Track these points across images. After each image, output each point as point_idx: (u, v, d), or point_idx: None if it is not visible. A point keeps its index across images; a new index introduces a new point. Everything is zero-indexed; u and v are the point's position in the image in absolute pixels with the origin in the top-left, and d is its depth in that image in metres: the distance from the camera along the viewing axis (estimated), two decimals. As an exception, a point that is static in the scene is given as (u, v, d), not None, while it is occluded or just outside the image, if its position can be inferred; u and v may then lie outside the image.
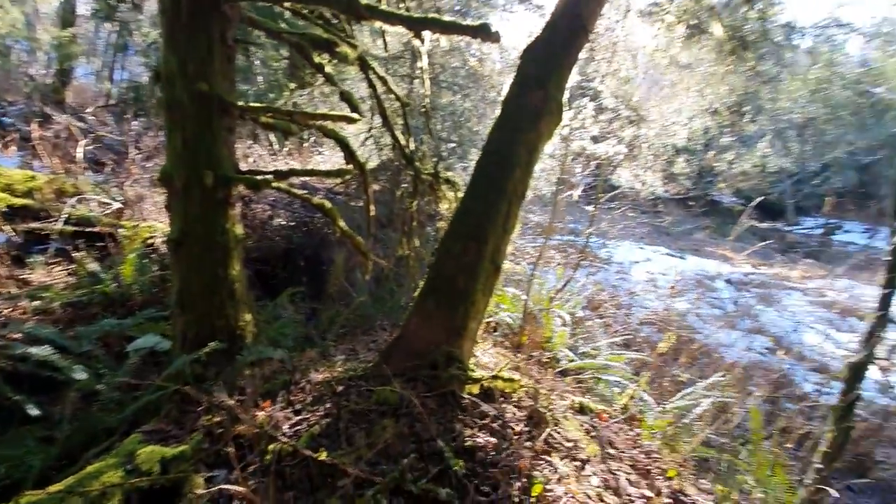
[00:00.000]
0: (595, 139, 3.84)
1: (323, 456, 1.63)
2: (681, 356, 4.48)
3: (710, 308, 7.72)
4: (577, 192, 4.52)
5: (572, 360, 3.45)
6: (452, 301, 2.29)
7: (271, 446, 1.70)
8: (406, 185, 4.05)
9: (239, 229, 2.65)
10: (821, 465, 2.25)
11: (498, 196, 2.43)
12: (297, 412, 2.00)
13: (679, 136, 4.12)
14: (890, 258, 2.36)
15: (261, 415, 1.95)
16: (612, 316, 5.19)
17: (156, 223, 4.38)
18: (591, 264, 9.08)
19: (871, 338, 2.34)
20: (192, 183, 2.43)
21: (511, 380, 2.22)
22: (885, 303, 2.33)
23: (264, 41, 6.80)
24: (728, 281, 9.43)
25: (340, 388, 2.13)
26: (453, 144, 5.10)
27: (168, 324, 2.77)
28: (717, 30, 2.59)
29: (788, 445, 2.66)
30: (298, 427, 1.89)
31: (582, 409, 2.51)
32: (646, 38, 3.16)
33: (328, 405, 2.00)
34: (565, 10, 2.57)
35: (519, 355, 3.04)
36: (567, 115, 3.73)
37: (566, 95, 2.73)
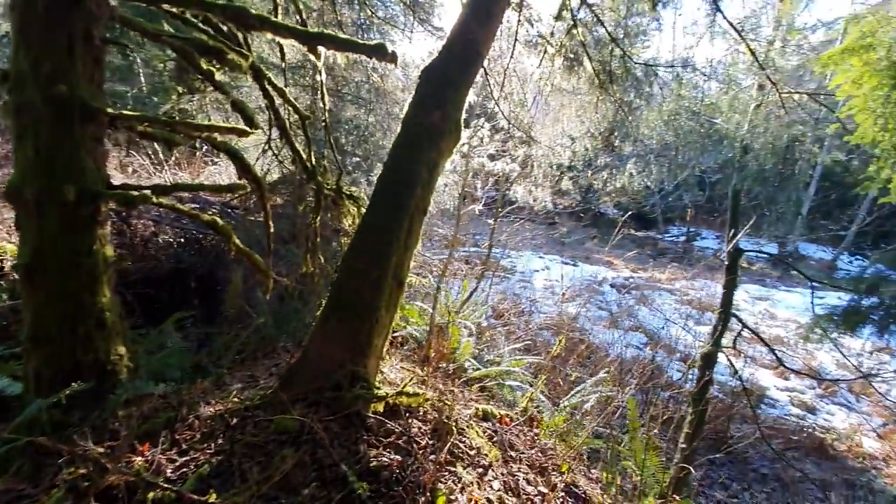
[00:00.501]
0: (492, 157, 4.08)
1: (212, 499, 1.51)
2: (573, 356, 4.90)
3: (597, 310, 8.53)
4: (478, 207, 4.75)
5: (477, 369, 3.59)
6: (356, 318, 2.26)
7: (150, 495, 1.53)
8: (310, 199, 3.93)
9: (109, 250, 2.36)
10: (684, 445, 2.61)
11: (400, 212, 2.47)
12: (182, 452, 1.82)
13: (564, 157, 4.56)
14: (728, 263, 2.85)
15: (138, 460, 1.74)
16: (514, 323, 5.50)
17: (5, 244, 3.71)
18: (495, 274, 9.53)
19: (717, 332, 2.79)
20: (47, 198, 2.12)
21: (416, 394, 2.25)
22: (726, 301, 2.80)
23: (146, 42, 6.16)
24: (612, 285, 10.51)
25: (235, 420, 1.98)
26: (357, 159, 5.06)
27: (20, 363, 2.36)
28: (587, 64, 2.94)
29: (657, 431, 3.04)
30: (184, 469, 1.72)
31: (485, 416, 2.63)
32: (532, 66, 3.47)
33: (220, 441, 1.85)
34: (461, 35, 2.72)
35: (426, 368, 3.09)
36: (465, 134, 3.91)
37: (464, 115, 2.88)
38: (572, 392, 3.34)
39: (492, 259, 8.36)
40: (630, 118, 3.19)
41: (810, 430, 4.86)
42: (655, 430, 2.84)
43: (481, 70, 4.11)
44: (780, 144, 2.81)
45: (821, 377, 5.49)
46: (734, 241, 2.84)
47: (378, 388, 2.23)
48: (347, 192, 3.08)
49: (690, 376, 5.57)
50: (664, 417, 2.92)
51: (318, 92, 5.28)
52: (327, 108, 2.98)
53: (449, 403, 2.31)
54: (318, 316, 2.38)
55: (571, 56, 3.12)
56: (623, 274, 12.21)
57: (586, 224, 18.96)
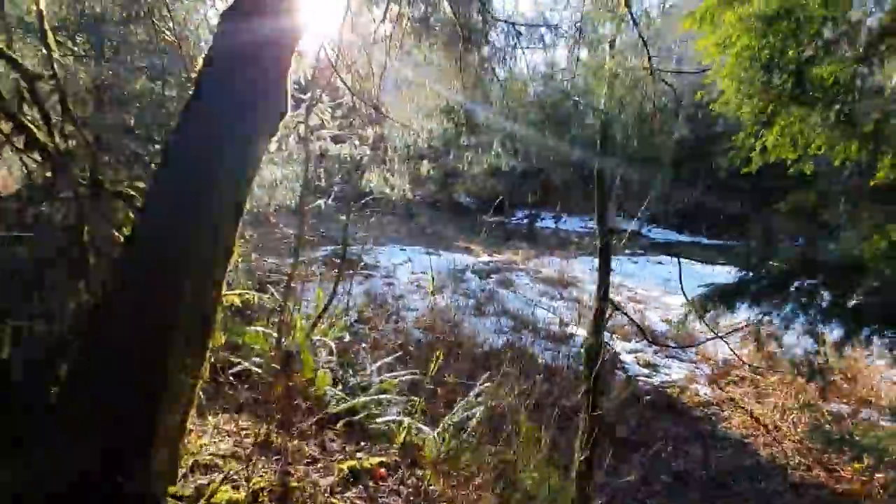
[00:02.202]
0: (337, 140, 3.40)
1: None
2: (451, 359, 4.52)
3: (465, 299, 8.45)
4: (326, 201, 4.00)
5: (342, 400, 2.91)
6: (124, 393, 1.40)
7: None
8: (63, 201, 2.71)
9: None
10: (582, 453, 2.36)
11: (196, 216, 1.65)
12: None
13: (422, 137, 4.07)
14: (600, 246, 2.70)
15: None
16: (383, 330, 4.90)
17: None
18: (356, 274, 8.79)
19: (598, 322, 2.62)
20: None
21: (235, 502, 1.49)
22: (603, 288, 2.64)
23: None
24: (474, 271, 10.65)
25: None
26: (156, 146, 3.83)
27: None
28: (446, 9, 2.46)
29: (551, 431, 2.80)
30: None
31: (354, 475, 1.99)
32: (375, 25, 2.86)
33: None
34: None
35: (267, 423, 2.30)
36: (303, 113, 3.13)
37: (292, 85, 2.14)
38: (456, 407, 2.90)
39: (350, 257, 7.62)
40: (492, 89, 2.85)
41: (659, 387, 5.34)
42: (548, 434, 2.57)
43: (316, 34, 3.36)
44: (644, 115, 2.78)
45: (684, 345, 6.08)
46: (605, 224, 2.72)
47: (177, 493, 1.42)
48: (119, 189, 2.08)
49: (557, 354, 5.73)
50: (557, 405, 2.69)
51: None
52: (54, 57, 1.93)
53: (297, 484, 1.61)
54: (56, 393, 1.44)
55: (421, 14, 2.59)
56: (482, 259, 12.55)
57: (444, 212, 19.30)
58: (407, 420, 2.55)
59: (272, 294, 3.82)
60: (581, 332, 7.16)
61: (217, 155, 1.75)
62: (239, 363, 3.03)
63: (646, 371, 6.07)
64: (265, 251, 5.37)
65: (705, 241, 19.47)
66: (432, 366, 2.91)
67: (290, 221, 7.14)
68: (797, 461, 3.97)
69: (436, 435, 2.64)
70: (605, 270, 2.65)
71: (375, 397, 2.86)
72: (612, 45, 2.72)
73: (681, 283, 2.39)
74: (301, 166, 3.81)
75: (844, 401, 4.64)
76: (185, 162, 1.73)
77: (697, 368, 6.24)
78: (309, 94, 3.28)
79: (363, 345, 4.08)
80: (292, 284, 3.85)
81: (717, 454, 4.15)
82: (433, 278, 7.31)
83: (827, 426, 4.17)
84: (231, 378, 3.00)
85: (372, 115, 3.49)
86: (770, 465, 3.98)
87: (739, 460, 4.08)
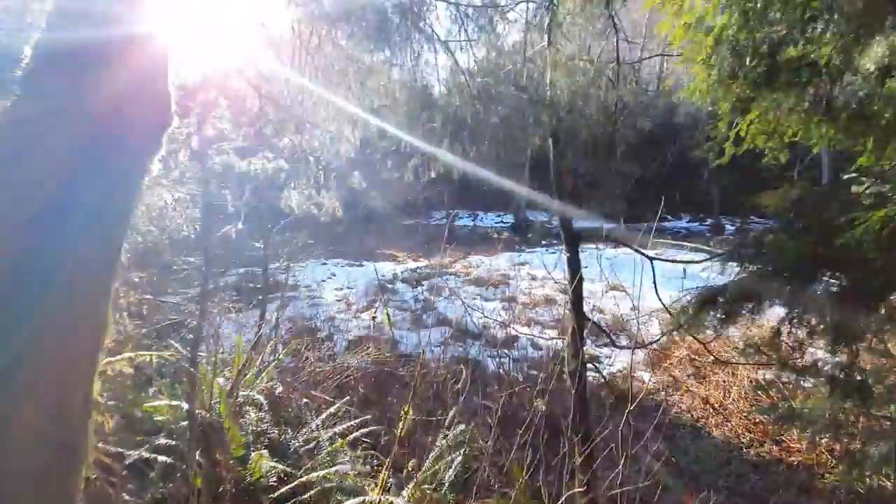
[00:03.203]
0: (243, 153, 2.78)
1: None
2: (395, 384, 4.06)
3: (398, 311, 7.97)
4: (238, 224, 3.32)
5: (286, 477, 2.34)
6: None
7: None
8: None
9: None
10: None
11: (40, 266, 1.05)
12: None
13: (348, 145, 3.56)
14: (569, 255, 2.44)
15: None
16: (317, 366, 4.27)
17: None
18: (278, 298, 7.91)
19: (576, 339, 2.36)
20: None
21: None
22: (576, 300, 2.39)
23: None
24: (404, 280, 10.19)
25: None
26: None
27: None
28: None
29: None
30: None
31: None
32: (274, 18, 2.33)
33: None
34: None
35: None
36: (186, 122, 2.49)
37: (176, 91, 1.57)
38: (427, 457, 2.47)
39: (270, 281, 6.77)
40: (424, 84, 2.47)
41: (609, 380, 5.34)
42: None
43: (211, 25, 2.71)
44: (609, 109, 2.58)
45: (645, 344, 6.09)
46: (571, 228, 2.47)
47: None
48: None
49: (504, 359, 5.51)
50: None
51: None
52: None
53: None
54: None
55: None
56: (409, 266, 12.14)
57: (359, 219, 18.51)
58: (369, 499, 2.06)
59: (176, 347, 3.07)
60: (524, 332, 7.08)
61: (66, 188, 1.15)
62: (138, 450, 2.32)
63: (590, 365, 6.09)
64: (163, 292, 4.46)
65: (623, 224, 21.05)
66: (400, 427, 2.45)
67: (193, 252, 6.15)
68: (749, 438, 4.10)
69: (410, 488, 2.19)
70: (576, 283, 2.40)
71: (329, 468, 2.32)
72: (548, 31, 2.47)
73: (656, 290, 2.23)
74: (200, 187, 3.11)
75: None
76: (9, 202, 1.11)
77: (635, 354, 6.41)
78: (201, 99, 2.64)
79: (299, 389, 3.46)
80: (202, 331, 3.14)
81: (678, 442, 4.17)
82: (388, 315, 6.67)
83: (771, 400, 4.37)
84: (127, 473, 2.29)
85: (287, 122, 2.92)
86: (727, 445, 4.06)
87: (699, 445, 4.13)
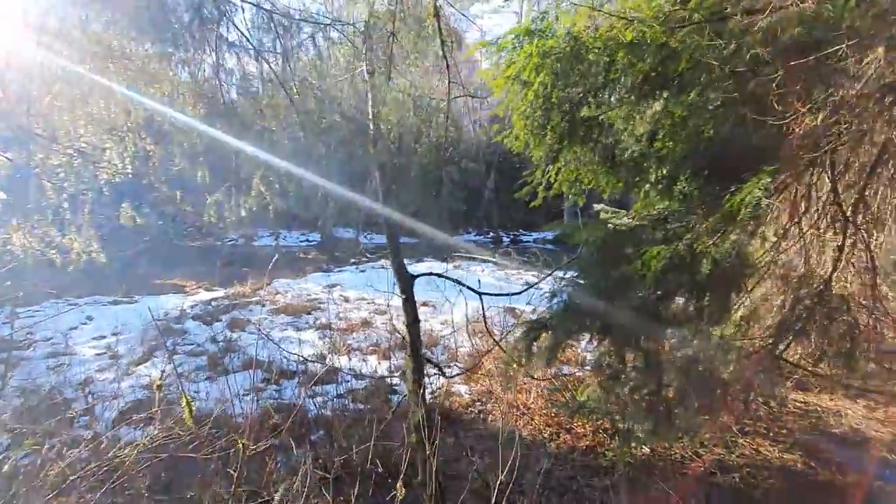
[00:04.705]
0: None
1: None
2: (194, 462, 3.27)
3: (191, 358, 6.63)
4: None
5: None
6: None
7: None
8: None
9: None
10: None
11: None
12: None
13: (104, 163, 2.67)
14: (404, 297, 2.34)
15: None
16: (68, 459, 3.08)
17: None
18: (1, 358, 5.62)
19: (418, 388, 2.25)
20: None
21: None
22: (414, 346, 2.29)
23: None
24: (195, 317, 8.60)
25: None
26: None
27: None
28: None
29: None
30: None
31: None
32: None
33: None
34: None
35: None
36: None
37: None
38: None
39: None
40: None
41: (429, 402, 5.47)
42: None
43: None
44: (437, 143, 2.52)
45: (468, 369, 6.25)
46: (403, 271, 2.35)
47: None
48: None
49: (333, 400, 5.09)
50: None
51: None
52: None
53: None
54: None
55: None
56: (201, 297, 10.35)
57: (125, 239, 15.00)
58: None
59: None
60: (342, 362, 6.71)
61: None
62: None
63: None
64: None
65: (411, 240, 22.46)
66: (178, 490, 1.88)
67: None
68: (549, 433, 4.70)
69: None
70: (412, 320, 2.31)
71: None
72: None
73: (485, 322, 2.32)
74: None
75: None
76: None
77: (448, 367, 6.78)
78: None
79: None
80: None
81: (497, 451, 4.50)
82: (162, 376, 5.30)
83: (559, 394, 5.11)
84: None
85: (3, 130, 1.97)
86: (533, 443, 4.56)
87: (512, 447, 4.54)
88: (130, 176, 2.58)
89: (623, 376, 3.31)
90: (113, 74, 2.32)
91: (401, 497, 1.64)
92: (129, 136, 2.55)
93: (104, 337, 7.37)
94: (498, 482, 1.89)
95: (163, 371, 5.48)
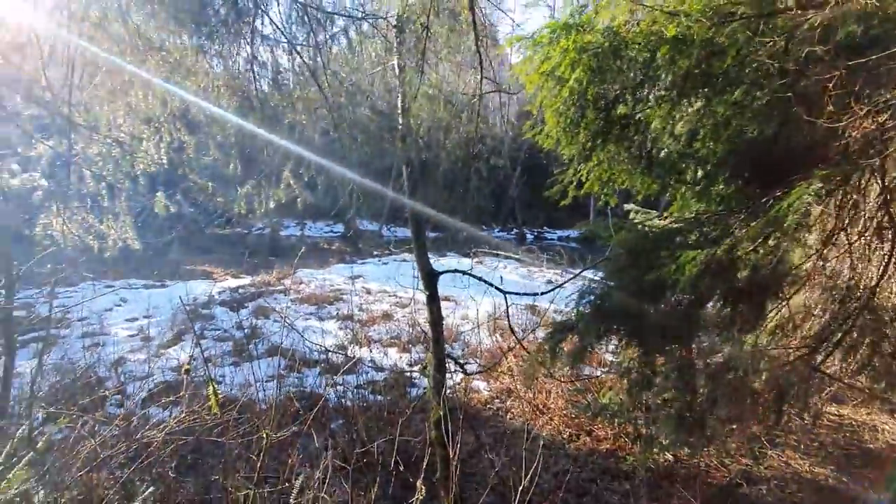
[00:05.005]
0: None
1: None
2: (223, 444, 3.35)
3: (217, 343, 6.82)
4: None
5: None
6: None
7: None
8: None
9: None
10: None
11: None
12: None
13: (142, 154, 2.74)
14: (428, 292, 2.33)
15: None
16: (101, 439, 3.21)
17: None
18: (36, 338, 5.92)
19: (439, 386, 2.25)
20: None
21: None
22: (438, 343, 2.28)
23: None
24: (222, 304, 8.84)
25: None
26: None
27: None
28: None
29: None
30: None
31: None
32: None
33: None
34: None
35: None
36: None
37: None
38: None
39: (16, 319, 4.97)
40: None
41: (449, 396, 5.47)
42: None
43: None
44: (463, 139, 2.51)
45: (488, 367, 6.25)
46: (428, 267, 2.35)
47: None
48: None
49: (347, 389, 5.16)
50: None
51: None
52: None
53: None
54: None
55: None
56: (228, 284, 10.62)
57: (162, 226, 15.53)
58: None
59: None
60: (363, 353, 6.78)
61: None
62: None
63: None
64: None
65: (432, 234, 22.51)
66: (203, 470, 1.93)
67: None
68: (568, 434, 4.64)
69: None
70: (436, 316, 2.30)
71: None
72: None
73: (510, 326, 2.29)
74: None
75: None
76: None
77: (468, 364, 6.77)
78: None
79: (71, 485, 2.52)
80: None
81: (516, 449, 4.47)
82: (190, 361, 5.46)
83: (580, 396, 5.03)
84: None
85: (42, 120, 2.05)
86: (552, 443, 4.52)
87: (531, 447, 4.50)
88: (165, 166, 2.66)
89: (651, 382, 3.23)
90: (152, 66, 2.37)
91: (421, 498, 1.64)
92: (165, 127, 2.62)
93: (136, 319, 7.66)
94: (521, 486, 1.87)
95: (190, 355, 5.65)
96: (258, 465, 2.21)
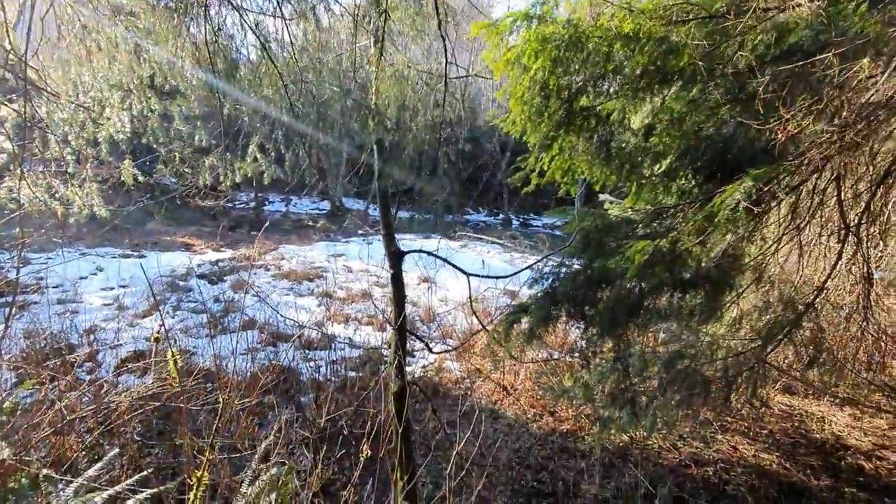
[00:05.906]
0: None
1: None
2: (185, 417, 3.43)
3: (193, 315, 6.82)
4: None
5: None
6: None
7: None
8: None
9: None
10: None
11: None
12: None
13: (111, 120, 2.71)
14: (392, 272, 2.39)
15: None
16: (71, 401, 3.24)
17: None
18: (4, 302, 5.82)
19: (397, 360, 2.33)
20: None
21: None
22: (400, 320, 2.35)
23: None
24: (201, 276, 8.79)
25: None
26: None
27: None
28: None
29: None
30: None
31: None
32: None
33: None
34: None
35: None
36: None
37: None
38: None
39: (3, 279, 4.91)
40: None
41: (422, 376, 5.60)
42: None
43: None
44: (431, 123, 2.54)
45: (458, 346, 6.34)
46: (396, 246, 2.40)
47: None
48: None
49: (319, 364, 5.25)
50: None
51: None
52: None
53: None
54: None
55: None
56: (208, 257, 10.54)
57: (140, 198, 15.22)
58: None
59: None
60: (338, 330, 6.87)
61: None
62: None
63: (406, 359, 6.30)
64: None
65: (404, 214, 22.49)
66: (170, 437, 2.00)
67: None
68: (532, 414, 4.80)
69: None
70: (399, 296, 2.37)
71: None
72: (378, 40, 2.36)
73: (472, 308, 2.37)
74: None
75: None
76: None
77: (444, 343, 6.91)
78: None
79: (39, 445, 2.56)
80: None
81: (482, 427, 4.62)
82: (159, 330, 5.45)
83: (546, 378, 5.19)
84: None
85: (9, 82, 2.02)
86: (517, 422, 4.68)
87: (496, 426, 4.65)
88: (129, 134, 2.64)
89: (593, 364, 3.36)
90: (120, 32, 2.33)
91: (364, 458, 1.73)
92: (133, 94, 2.59)
93: (112, 289, 7.59)
94: (471, 455, 1.97)
95: (160, 325, 5.65)
96: (217, 429, 2.28)
